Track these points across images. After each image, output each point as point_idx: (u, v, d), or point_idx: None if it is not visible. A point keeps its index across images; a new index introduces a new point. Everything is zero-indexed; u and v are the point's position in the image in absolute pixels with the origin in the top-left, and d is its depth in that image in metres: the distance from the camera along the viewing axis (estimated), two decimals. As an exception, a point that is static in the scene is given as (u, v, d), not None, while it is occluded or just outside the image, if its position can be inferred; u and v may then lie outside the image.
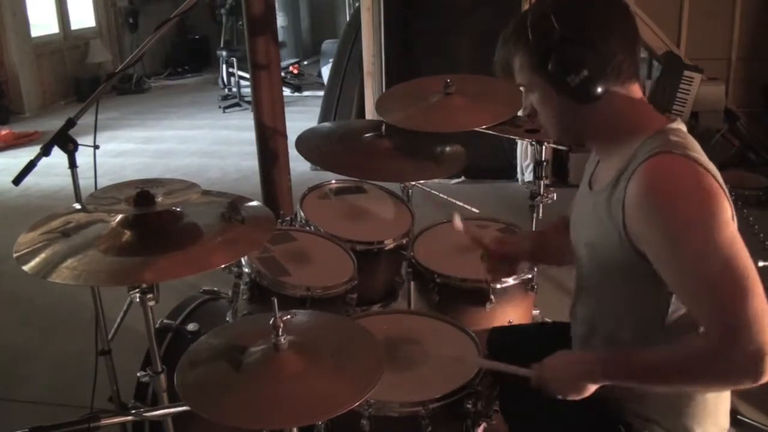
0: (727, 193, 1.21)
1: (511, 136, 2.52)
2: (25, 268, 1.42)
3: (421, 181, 2.56)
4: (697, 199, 1.17)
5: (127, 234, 1.53)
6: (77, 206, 1.72)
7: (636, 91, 1.32)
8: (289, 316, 1.39)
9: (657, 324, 1.31)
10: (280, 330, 1.34)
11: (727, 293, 1.14)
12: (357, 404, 1.31)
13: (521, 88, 1.42)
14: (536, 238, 1.78)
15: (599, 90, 1.26)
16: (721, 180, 1.22)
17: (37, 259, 1.45)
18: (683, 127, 1.31)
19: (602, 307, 1.42)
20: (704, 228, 1.15)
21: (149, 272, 1.46)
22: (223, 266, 1.90)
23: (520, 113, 1.43)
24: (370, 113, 5.00)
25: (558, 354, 1.38)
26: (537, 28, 1.27)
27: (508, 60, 1.37)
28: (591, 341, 1.45)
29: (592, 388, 1.31)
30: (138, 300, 1.56)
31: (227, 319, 2.01)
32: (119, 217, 1.56)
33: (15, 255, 1.47)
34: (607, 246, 1.31)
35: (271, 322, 1.34)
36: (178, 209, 1.61)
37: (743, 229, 1.20)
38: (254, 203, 1.76)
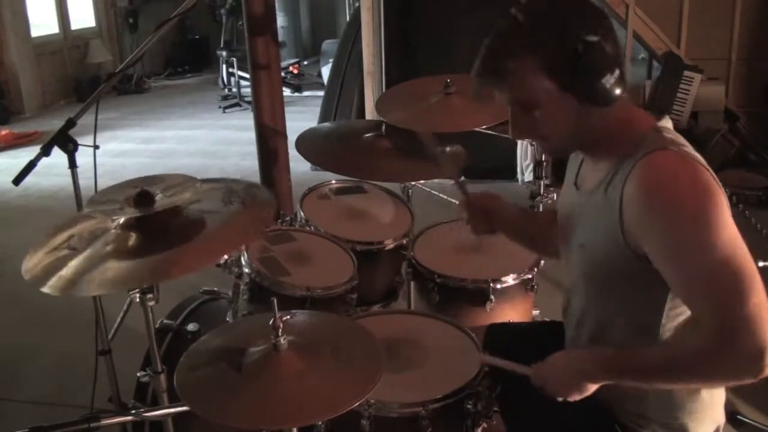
0: (724, 190, 1.21)
1: (511, 136, 2.51)
2: (46, 289, 1.39)
3: (421, 181, 2.56)
4: (695, 195, 1.17)
5: (133, 236, 1.51)
6: (76, 215, 1.70)
7: None
8: (288, 317, 1.39)
9: (649, 332, 1.31)
10: (280, 330, 1.34)
11: (726, 291, 1.14)
12: (357, 404, 1.32)
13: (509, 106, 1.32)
14: (522, 216, 1.73)
15: (621, 90, 1.24)
16: (715, 176, 1.21)
17: (55, 278, 1.41)
18: (670, 125, 1.31)
19: (591, 307, 1.41)
20: (704, 224, 1.15)
21: (171, 267, 1.45)
22: (226, 259, 1.91)
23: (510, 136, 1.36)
24: (370, 113, 5.00)
25: (558, 354, 1.38)
26: (553, 33, 1.20)
27: (501, 74, 1.26)
28: (578, 341, 1.45)
29: (591, 388, 1.31)
30: (138, 300, 1.56)
31: (227, 319, 2.01)
32: (122, 220, 1.55)
33: (27, 277, 1.44)
34: (601, 248, 1.30)
35: (271, 322, 1.35)
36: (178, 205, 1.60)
37: (744, 229, 1.20)
38: (250, 183, 1.76)
